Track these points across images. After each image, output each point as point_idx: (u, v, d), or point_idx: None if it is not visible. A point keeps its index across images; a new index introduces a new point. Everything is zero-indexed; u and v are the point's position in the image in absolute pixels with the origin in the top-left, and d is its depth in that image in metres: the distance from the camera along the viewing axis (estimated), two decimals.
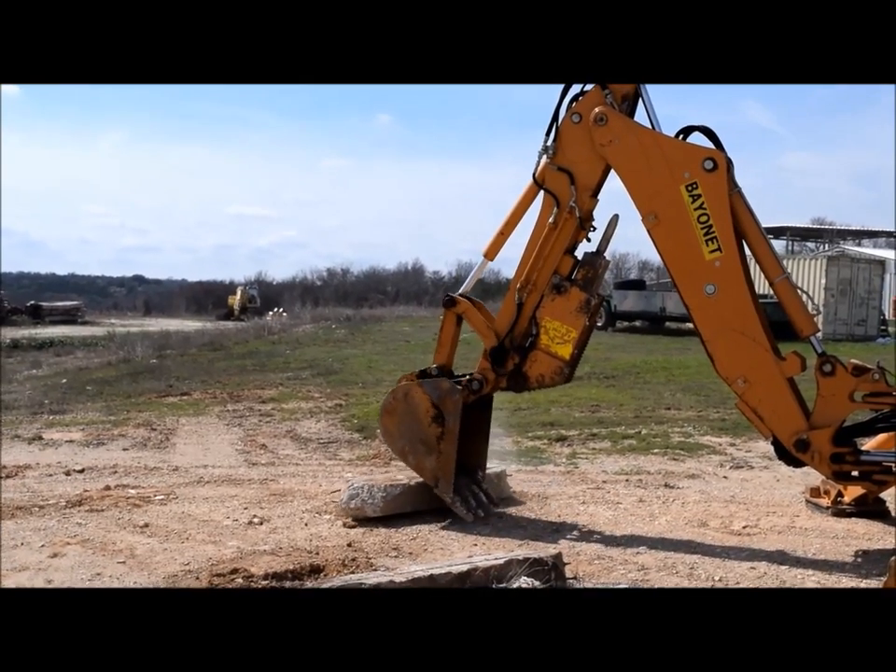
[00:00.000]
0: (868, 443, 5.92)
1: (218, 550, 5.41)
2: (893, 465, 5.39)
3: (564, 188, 5.75)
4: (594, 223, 5.93)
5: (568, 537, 5.75)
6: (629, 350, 20.57)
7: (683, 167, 5.42)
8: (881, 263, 30.64)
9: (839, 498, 6.26)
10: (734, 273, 5.41)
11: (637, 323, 29.75)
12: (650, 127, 5.65)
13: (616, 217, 5.98)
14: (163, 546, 5.50)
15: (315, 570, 4.94)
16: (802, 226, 48.84)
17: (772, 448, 5.73)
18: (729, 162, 5.45)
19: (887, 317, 31.14)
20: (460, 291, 6.25)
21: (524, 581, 4.22)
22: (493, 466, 6.99)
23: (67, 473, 7.68)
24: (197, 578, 4.86)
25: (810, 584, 4.85)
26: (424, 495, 6.15)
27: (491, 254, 6.10)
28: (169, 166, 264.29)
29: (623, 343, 22.98)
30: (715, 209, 5.38)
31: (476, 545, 5.54)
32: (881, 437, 5.87)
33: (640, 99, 5.74)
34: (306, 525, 6.01)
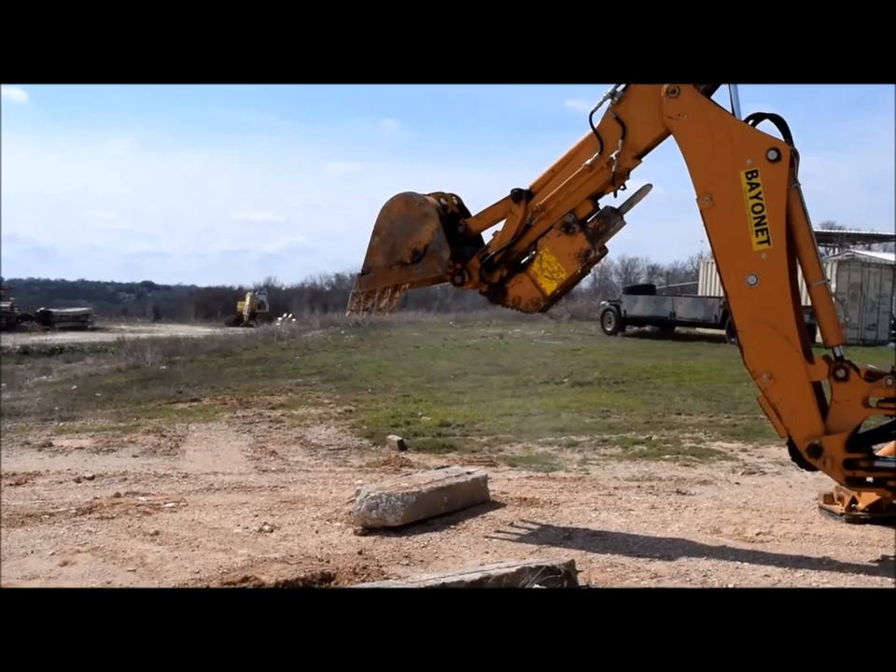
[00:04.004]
0: (882, 449, 5.88)
1: (229, 558, 5.39)
2: None
3: (613, 137, 5.65)
4: (626, 181, 5.84)
5: (581, 544, 5.72)
6: (639, 355, 20.50)
7: (747, 153, 5.33)
8: (892, 267, 30.50)
9: (853, 505, 6.21)
10: (778, 267, 5.35)
11: (647, 328, 29.65)
12: (728, 110, 5.48)
13: (649, 186, 5.94)
14: (174, 554, 5.49)
15: (326, 579, 4.93)
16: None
17: (785, 452, 5.68)
18: (794, 156, 5.36)
19: None
20: None
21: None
22: (474, 470, 7.05)
23: (77, 480, 7.69)
24: (207, 586, 4.84)
25: None
26: (436, 501, 6.18)
27: (536, 187, 5.93)
28: (176, 171, 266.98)
29: (633, 349, 22.89)
30: (771, 201, 5.30)
31: (487, 552, 5.52)
32: (895, 443, 5.82)
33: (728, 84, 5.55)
34: (317, 532, 5.99)
